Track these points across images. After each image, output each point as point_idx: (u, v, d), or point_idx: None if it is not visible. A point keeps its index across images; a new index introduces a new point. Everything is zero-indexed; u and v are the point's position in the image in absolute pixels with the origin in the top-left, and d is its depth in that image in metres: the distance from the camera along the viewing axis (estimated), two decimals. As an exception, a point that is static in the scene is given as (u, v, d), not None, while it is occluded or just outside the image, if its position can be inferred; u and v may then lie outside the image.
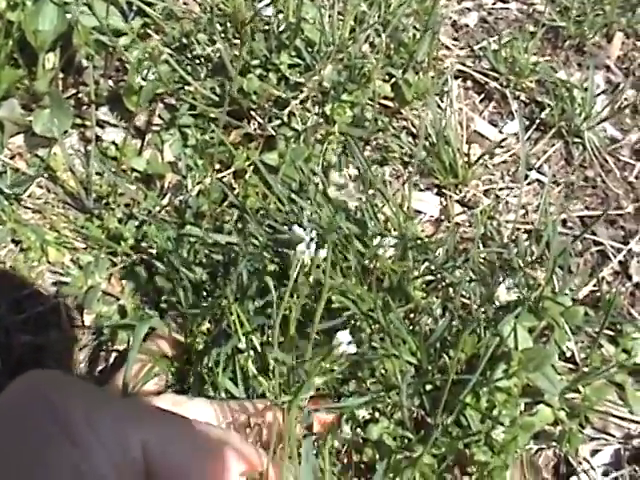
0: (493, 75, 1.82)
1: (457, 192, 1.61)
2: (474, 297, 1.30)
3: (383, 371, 1.22)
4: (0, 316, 1.39)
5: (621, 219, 1.61)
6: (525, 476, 1.27)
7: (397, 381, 1.15)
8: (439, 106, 1.73)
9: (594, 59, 1.89)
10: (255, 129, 1.61)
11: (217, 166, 1.57)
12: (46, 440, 0.61)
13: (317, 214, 1.34)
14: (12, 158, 1.58)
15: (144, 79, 1.56)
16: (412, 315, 1.31)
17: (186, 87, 1.64)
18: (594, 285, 1.49)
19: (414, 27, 1.83)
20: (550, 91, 1.78)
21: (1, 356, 1.34)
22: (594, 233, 1.58)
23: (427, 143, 1.64)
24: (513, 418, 1.19)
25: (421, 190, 1.62)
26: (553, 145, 1.72)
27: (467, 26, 1.96)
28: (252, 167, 1.54)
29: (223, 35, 1.69)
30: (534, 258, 1.43)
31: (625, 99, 1.82)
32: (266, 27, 1.67)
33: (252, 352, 1.14)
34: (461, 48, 1.90)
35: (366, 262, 1.30)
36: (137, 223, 1.49)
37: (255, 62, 1.63)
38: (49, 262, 1.47)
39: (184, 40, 1.70)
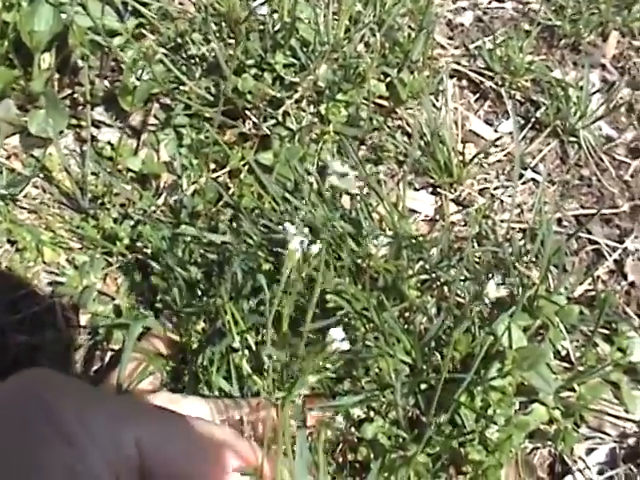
0: (488, 74, 1.82)
1: (452, 191, 1.61)
2: (468, 296, 1.30)
3: (378, 370, 1.22)
4: (-4, 316, 1.39)
5: (616, 218, 1.61)
6: (520, 475, 1.27)
7: (391, 380, 1.15)
8: (434, 105, 1.74)
9: (589, 58, 1.89)
10: (250, 129, 1.61)
11: (212, 166, 1.58)
12: (39, 440, 0.61)
13: (311, 213, 1.34)
14: (8, 158, 1.58)
15: (138, 79, 1.56)
16: (407, 314, 1.31)
17: (181, 87, 1.64)
18: (589, 284, 1.48)
19: (409, 26, 1.83)
20: (545, 90, 1.78)
21: (-4, 356, 1.35)
22: (589, 232, 1.58)
23: (422, 142, 1.64)
24: (508, 417, 1.19)
25: (416, 189, 1.62)
26: (548, 144, 1.72)
27: (462, 25, 1.96)
28: (247, 167, 1.54)
29: (218, 35, 1.69)
30: (529, 257, 1.43)
31: (620, 98, 1.82)
32: (261, 27, 1.67)
33: (247, 351, 1.15)
34: (456, 47, 1.90)
35: (359, 261, 1.30)
36: (132, 223, 1.49)
37: (250, 62, 1.63)
38: (45, 262, 1.48)
39: (179, 40, 1.70)
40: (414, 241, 1.36)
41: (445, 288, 1.35)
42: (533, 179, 1.66)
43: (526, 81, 1.81)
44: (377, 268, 1.28)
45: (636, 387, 1.38)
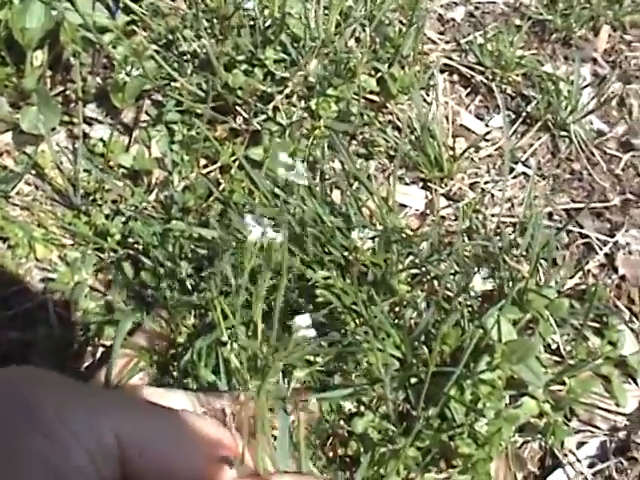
0: (479, 69, 1.82)
1: (443, 186, 1.62)
2: (457, 289, 1.31)
3: (367, 365, 1.23)
4: (-13, 313, 1.40)
5: (607, 212, 1.62)
6: (510, 469, 1.27)
7: (381, 374, 1.16)
8: (425, 100, 1.74)
9: (581, 52, 1.89)
10: (240, 124, 1.61)
11: (203, 162, 1.58)
12: (19, 434, 0.62)
13: (300, 208, 1.34)
14: (0, 156, 1.58)
15: (128, 75, 1.56)
16: (397, 309, 1.32)
17: (172, 83, 1.64)
18: (580, 278, 1.49)
19: (400, 21, 1.84)
20: (536, 84, 1.78)
21: (-12, 352, 1.35)
22: (580, 226, 1.58)
23: (413, 137, 1.64)
24: (497, 410, 1.19)
25: (407, 184, 1.62)
26: (539, 138, 1.72)
27: (454, 20, 1.97)
28: (238, 162, 1.55)
29: (209, 31, 1.69)
30: (519, 251, 1.43)
31: (612, 92, 1.83)
32: (252, 22, 1.67)
33: (235, 345, 1.15)
34: (447, 42, 1.91)
35: (346, 253, 1.30)
36: (124, 219, 1.50)
37: (241, 57, 1.63)
38: (37, 259, 1.48)
39: (170, 36, 1.71)
40: (404, 235, 1.37)
41: (435, 282, 1.35)
42: (524, 173, 1.66)
43: (517, 75, 1.82)
44: (364, 261, 1.28)
45: (626, 380, 1.38)
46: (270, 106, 1.61)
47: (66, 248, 1.49)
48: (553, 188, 1.65)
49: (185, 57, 1.70)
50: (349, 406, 1.21)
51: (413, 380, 1.22)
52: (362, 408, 1.22)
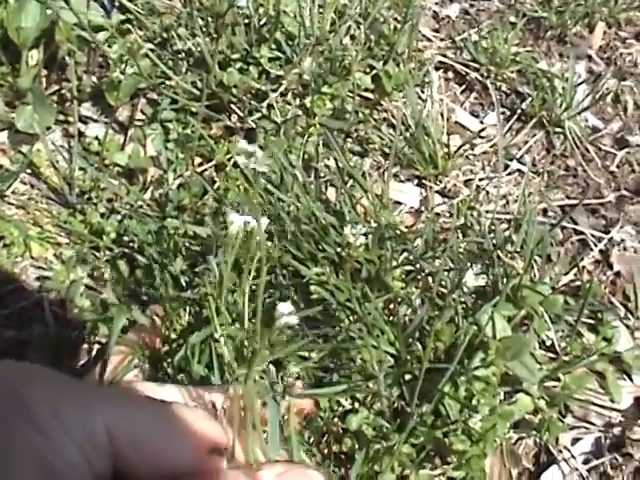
0: (474, 66, 1.83)
1: (437, 183, 1.62)
2: (450, 286, 1.31)
3: (362, 361, 1.23)
4: (-17, 312, 1.40)
5: (602, 208, 1.62)
6: (505, 465, 1.27)
7: (375, 371, 1.16)
8: (420, 97, 1.74)
9: (576, 49, 1.90)
10: (235, 122, 1.62)
11: (199, 160, 1.58)
12: (12, 429, 0.62)
13: (295, 205, 1.35)
14: (-5, 155, 1.59)
15: (123, 73, 1.57)
16: (391, 305, 1.32)
17: (167, 82, 1.64)
18: (575, 274, 1.49)
19: (394, 19, 1.84)
20: (531, 81, 1.79)
21: (-16, 351, 1.35)
22: (575, 222, 1.58)
23: (407, 134, 1.64)
24: (492, 407, 1.19)
25: (401, 181, 1.62)
26: (534, 135, 1.73)
27: (448, 17, 1.97)
28: (232, 160, 1.55)
29: (204, 29, 1.69)
30: (514, 247, 1.43)
31: (607, 88, 1.83)
32: (246, 21, 1.68)
33: (229, 340, 1.15)
34: (442, 39, 1.91)
35: (339, 250, 1.30)
36: (119, 217, 1.50)
37: (235, 56, 1.64)
38: (32, 257, 1.48)
39: (165, 35, 1.71)
40: (398, 232, 1.37)
41: (429, 279, 1.35)
42: (519, 170, 1.67)
43: (512, 72, 1.82)
44: (358, 258, 1.29)
45: (621, 377, 1.38)
46: (265, 104, 1.61)
47: (62, 247, 1.49)
48: (548, 185, 1.65)
49: (180, 55, 1.70)
50: (344, 402, 1.21)
51: (407, 377, 1.23)
52: (356, 405, 1.22)
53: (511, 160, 1.67)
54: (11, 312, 1.41)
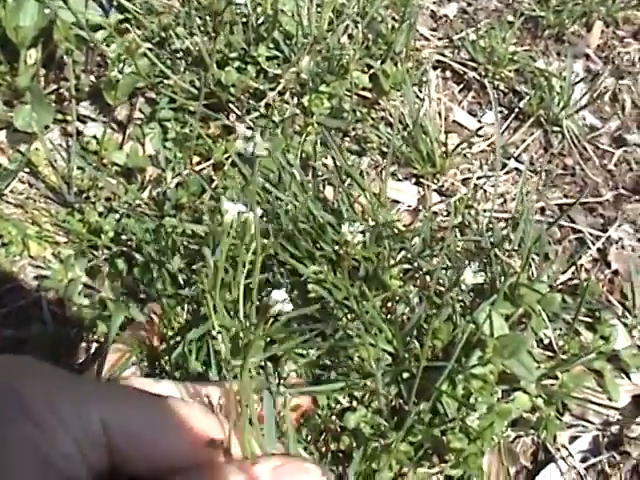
0: (472, 65, 1.83)
1: (435, 181, 1.62)
2: (448, 284, 1.31)
3: (359, 360, 1.23)
4: (-18, 311, 1.40)
5: (600, 207, 1.62)
6: (503, 463, 1.28)
7: (373, 369, 1.16)
8: (418, 96, 1.74)
9: (573, 48, 1.90)
10: (233, 121, 1.62)
11: (197, 159, 1.58)
12: (8, 422, 0.62)
13: (292, 204, 1.35)
14: (-7, 154, 1.59)
15: (121, 72, 1.57)
16: (389, 304, 1.32)
17: (166, 81, 1.64)
18: (572, 272, 1.49)
19: (392, 18, 1.84)
20: (529, 80, 1.79)
21: (-18, 350, 1.35)
22: (573, 221, 1.59)
23: (405, 133, 1.64)
24: (489, 405, 1.19)
25: (399, 180, 1.62)
26: (532, 134, 1.73)
27: (446, 17, 1.97)
28: (230, 159, 1.55)
29: (202, 29, 1.69)
30: (511, 246, 1.43)
31: (604, 87, 1.83)
32: (244, 20, 1.68)
33: (224, 330, 1.15)
34: (440, 39, 1.91)
35: (337, 248, 1.30)
36: (117, 216, 1.50)
37: (233, 55, 1.64)
38: (30, 256, 1.48)
39: (163, 34, 1.71)
40: (396, 230, 1.37)
41: (427, 277, 1.36)
42: (516, 169, 1.67)
43: (510, 71, 1.82)
44: (355, 256, 1.29)
45: (619, 375, 1.39)
46: (263, 103, 1.61)
47: (60, 245, 1.49)
48: (545, 183, 1.65)
49: (178, 55, 1.70)
50: (342, 400, 1.21)
51: (405, 375, 1.23)
52: (354, 403, 1.22)
53: (509, 159, 1.67)
54: (9, 311, 1.41)
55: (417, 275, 1.37)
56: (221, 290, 0.96)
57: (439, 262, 1.32)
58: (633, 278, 1.50)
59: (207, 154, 1.58)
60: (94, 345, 1.38)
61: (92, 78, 1.68)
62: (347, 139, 1.66)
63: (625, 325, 1.43)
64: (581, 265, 1.53)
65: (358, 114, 1.66)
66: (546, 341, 1.38)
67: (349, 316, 1.25)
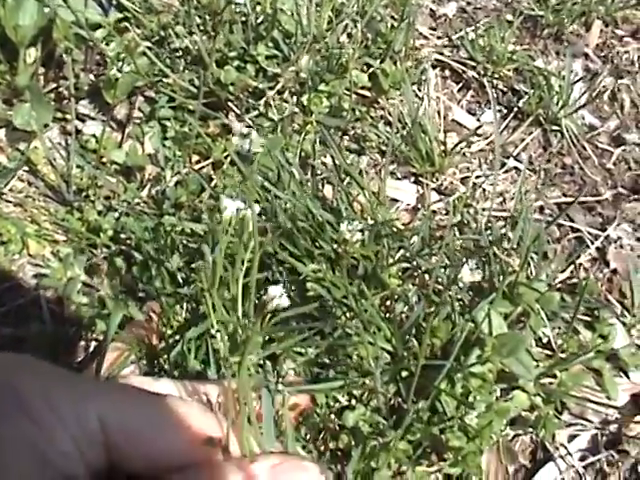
0: (471, 64, 1.83)
1: (434, 180, 1.62)
2: (446, 282, 1.31)
3: (358, 358, 1.23)
4: (-20, 309, 1.40)
5: (599, 206, 1.62)
6: (501, 461, 1.28)
7: (371, 367, 1.16)
8: (417, 95, 1.74)
9: (572, 47, 1.90)
10: (232, 120, 1.62)
11: (196, 157, 1.58)
12: (6, 420, 0.62)
13: (291, 202, 1.35)
14: (-7, 152, 1.59)
15: (120, 71, 1.57)
16: (388, 302, 1.32)
17: (165, 79, 1.64)
18: (571, 271, 1.49)
19: (391, 17, 1.84)
20: (528, 79, 1.79)
21: (-19, 348, 1.35)
22: (572, 220, 1.59)
23: (404, 132, 1.65)
24: (488, 403, 1.19)
25: (398, 179, 1.62)
26: (531, 133, 1.73)
27: (445, 15, 1.97)
28: (229, 158, 1.55)
29: (202, 27, 1.69)
30: (510, 244, 1.43)
31: (603, 86, 1.83)
32: (243, 19, 1.68)
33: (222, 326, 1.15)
34: (439, 38, 1.91)
35: (335, 247, 1.30)
36: (116, 215, 1.50)
37: (232, 54, 1.64)
38: (29, 255, 1.48)
39: (162, 33, 1.71)
40: (394, 229, 1.37)
41: (426, 276, 1.36)
42: (515, 168, 1.67)
43: (509, 71, 1.82)
44: (354, 254, 1.29)
45: (618, 374, 1.39)
46: (262, 102, 1.62)
47: (59, 244, 1.49)
48: (544, 182, 1.65)
49: (177, 53, 1.70)
50: (341, 399, 1.21)
51: (404, 373, 1.23)
52: (353, 401, 1.22)
53: (508, 158, 1.67)
54: (8, 309, 1.41)
55: (416, 274, 1.37)
56: (220, 288, 0.96)
57: (438, 261, 1.32)
58: (632, 277, 1.50)
59: (206, 153, 1.58)
60: (93, 343, 1.38)
61: (91, 77, 1.68)
62: (346, 138, 1.66)
63: (624, 324, 1.43)
64: (580, 264, 1.53)
65: (357, 113, 1.66)
66: (545, 340, 1.38)
67: (348, 314, 1.25)
